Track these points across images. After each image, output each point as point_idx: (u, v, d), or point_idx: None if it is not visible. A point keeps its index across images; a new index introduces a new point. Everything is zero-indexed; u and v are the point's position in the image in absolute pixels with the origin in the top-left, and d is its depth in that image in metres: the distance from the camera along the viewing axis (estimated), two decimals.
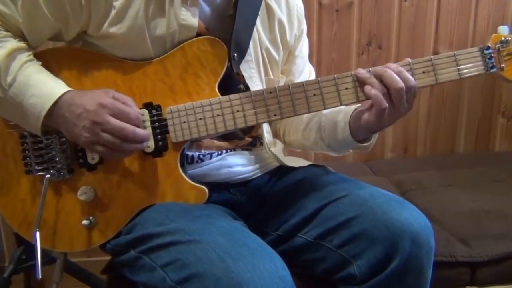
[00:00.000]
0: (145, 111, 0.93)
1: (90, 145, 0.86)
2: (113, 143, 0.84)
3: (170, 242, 0.82)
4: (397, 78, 0.87)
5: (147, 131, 0.90)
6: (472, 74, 0.90)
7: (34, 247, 0.92)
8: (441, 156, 2.10)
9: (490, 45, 0.90)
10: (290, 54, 1.13)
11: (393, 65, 0.89)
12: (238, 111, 0.91)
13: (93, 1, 0.88)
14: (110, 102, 0.84)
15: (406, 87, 0.87)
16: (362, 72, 0.90)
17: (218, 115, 0.92)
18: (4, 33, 0.91)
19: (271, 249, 0.81)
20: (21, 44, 0.91)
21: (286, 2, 1.08)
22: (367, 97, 0.90)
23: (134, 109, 0.87)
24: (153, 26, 0.92)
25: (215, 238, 0.79)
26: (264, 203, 1.07)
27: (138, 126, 0.86)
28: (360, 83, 0.90)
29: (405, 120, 2.03)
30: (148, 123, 0.93)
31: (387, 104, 0.87)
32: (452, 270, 1.30)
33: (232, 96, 0.92)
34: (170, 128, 0.92)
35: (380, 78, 0.88)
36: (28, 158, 0.96)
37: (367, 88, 0.88)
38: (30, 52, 0.92)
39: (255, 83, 1.02)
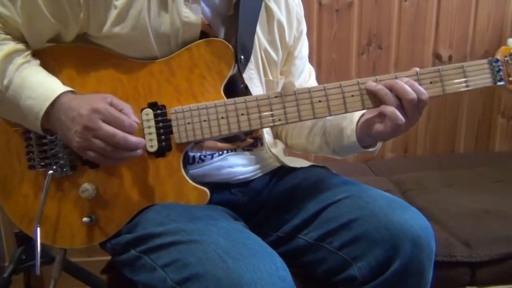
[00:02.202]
0: (150, 111, 0.92)
1: (82, 150, 0.86)
2: (104, 150, 0.83)
3: (171, 242, 0.82)
4: (409, 89, 0.86)
5: (141, 139, 0.87)
6: (479, 86, 0.89)
7: (34, 246, 0.92)
8: (441, 156, 2.10)
9: (499, 58, 0.89)
10: (289, 54, 1.12)
11: (405, 79, 0.88)
12: (242, 114, 0.91)
13: (91, 0, 0.88)
14: (104, 108, 0.84)
15: (418, 99, 0.86)
16: (372, 84, 0.88)
17: (222, 117, 0.91)
18: (3, 36, 0.90)
19: (271, 249, 0.81)
20: (19, 46, 0.91)
21: (286, 3, 1.07)
22: (375, 107, 0.90)
23: (130, 117, 0.86)
24: (157, 24, 0.91)
25: (216, 238, 0.79)
26: (264, 204, 1.07)
27: (131, 134, 0.85)
28: (371, 94, 0.89)
29: None
30: (152, 123, 0.92)
31: (404, 120, 0.86)
32: (452, 270, 1.30)
33: (237, 99, 0.91)
34: (174, 129, 0.92)
35: (391, 89, 0.87)
36: (31, 153, 0.96)
37: (384, 107, 0.87)
38: (28, 53, 0.91)
39: (255, 84, 1.01)
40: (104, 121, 0.83)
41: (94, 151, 0.84)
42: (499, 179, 1.76)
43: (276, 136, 1.21)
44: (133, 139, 0.85)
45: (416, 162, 2.04)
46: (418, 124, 2.08)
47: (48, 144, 0.95)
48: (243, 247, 0.78)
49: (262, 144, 1.10)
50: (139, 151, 0.87)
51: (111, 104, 0.85)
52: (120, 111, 0.86)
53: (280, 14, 1.06)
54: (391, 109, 0.86)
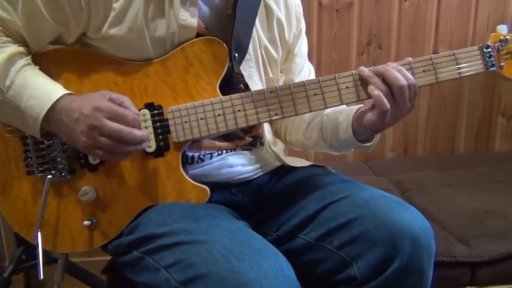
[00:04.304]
0: (147, 111, 0.93)
1: (89, 149, 0.86)
2: (111, 146, 0.84)
3: (174, 242, 0.82)
4: (399, 75, 0.87)
5: (145, 132, 0.89)
6: (472, 72, 0.91)
7: (34, 247, 0.92)
8: (441, 156, 2.10)
9: (489, 44, 0.91)
10: (289, 52, 1.13)
11: (393, 64, 0.90)
12: (239, 110, 0.92)
13: (92, 2, 0.88)
14: (106, 105, 0.84)
15: (408, 85, 0.88)
16: (365, 70, 0.90)
17: (219, 114, 0.92)
18: (4, 38, 0.91)
19: (275, 249, 0.81)
20: (21, 49, 0.92)
21: (285, 1, 1.08)
22: (370, 97, 0.90)
23: (131, 110, 0.87)
24: (153, 27, 0.92)
25: (220, 238, 0.79)
26: (264, 203, 1.07)
27: (136, 127, 0.86)
28: (363, 82, 0.90)
29: (405, 120, 2.03)
30: (149, 123, 0.93)
31: (389, 106, 0.88)
32: (452, 270, 1.30)
33: (233, 96, 0.92)
34: (172, 128, 0.92)
35: (382, 77, 0.89)
36: (29, 159, 0.96)
37: (371, 88, 0.89)
38: (29, 57, 0.93)
39: (255, 82, 1.02)
40: (108, 118, 0.83)
41: (101, 149, 0.85)
42: (499, 179, 1.75)
43: (276, 133, 1.21)
44: (138, 132, 0.85)
45: (416, 162, 2.04)
46: (418, 124, 2.08)
47: (46, 149, 0.95)
48: (247, 246, 0.78)
49: (261, 143, 1.10)
50: (144, 144, 0.88)
51: (110, 100, 0.86)
52: (120, 104, 0.86)
53: (279, 12, 1.06)
54: (377, 92, 0.88)
